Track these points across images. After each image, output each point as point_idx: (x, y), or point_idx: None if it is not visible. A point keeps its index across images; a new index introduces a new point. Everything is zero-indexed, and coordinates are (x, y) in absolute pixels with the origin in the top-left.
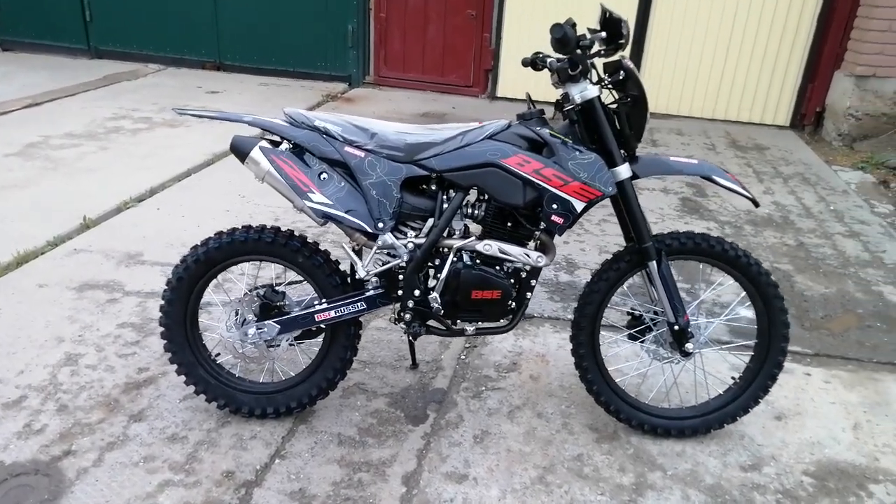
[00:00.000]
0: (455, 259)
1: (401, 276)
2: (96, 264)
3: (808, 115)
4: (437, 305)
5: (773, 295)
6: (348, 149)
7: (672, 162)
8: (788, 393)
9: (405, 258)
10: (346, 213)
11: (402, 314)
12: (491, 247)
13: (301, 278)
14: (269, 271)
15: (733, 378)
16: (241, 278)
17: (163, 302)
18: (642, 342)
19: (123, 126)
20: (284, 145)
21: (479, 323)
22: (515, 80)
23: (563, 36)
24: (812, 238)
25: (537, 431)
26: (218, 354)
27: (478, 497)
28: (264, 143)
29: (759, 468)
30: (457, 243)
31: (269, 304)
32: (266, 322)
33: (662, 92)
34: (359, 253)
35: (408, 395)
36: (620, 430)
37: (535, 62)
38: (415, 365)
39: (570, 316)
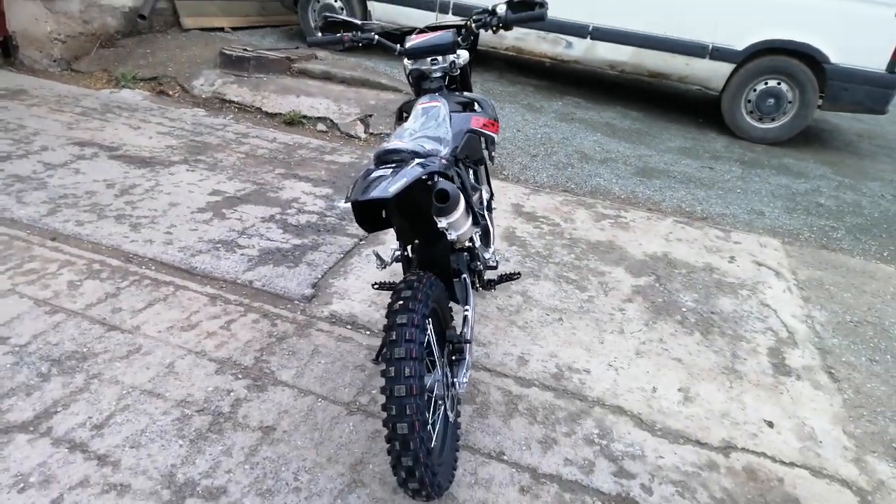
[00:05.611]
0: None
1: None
2: None
3: None
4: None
5: None
6: (444, 163)
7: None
8: None
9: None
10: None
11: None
12: (485, 192)
13: None
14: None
15: None
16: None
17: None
18: None
19: None
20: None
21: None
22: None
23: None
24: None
25: None
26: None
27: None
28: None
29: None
30: (482, 201)
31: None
32: (464, 354)
33: None
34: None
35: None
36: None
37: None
38: (377, 360)
39: None
